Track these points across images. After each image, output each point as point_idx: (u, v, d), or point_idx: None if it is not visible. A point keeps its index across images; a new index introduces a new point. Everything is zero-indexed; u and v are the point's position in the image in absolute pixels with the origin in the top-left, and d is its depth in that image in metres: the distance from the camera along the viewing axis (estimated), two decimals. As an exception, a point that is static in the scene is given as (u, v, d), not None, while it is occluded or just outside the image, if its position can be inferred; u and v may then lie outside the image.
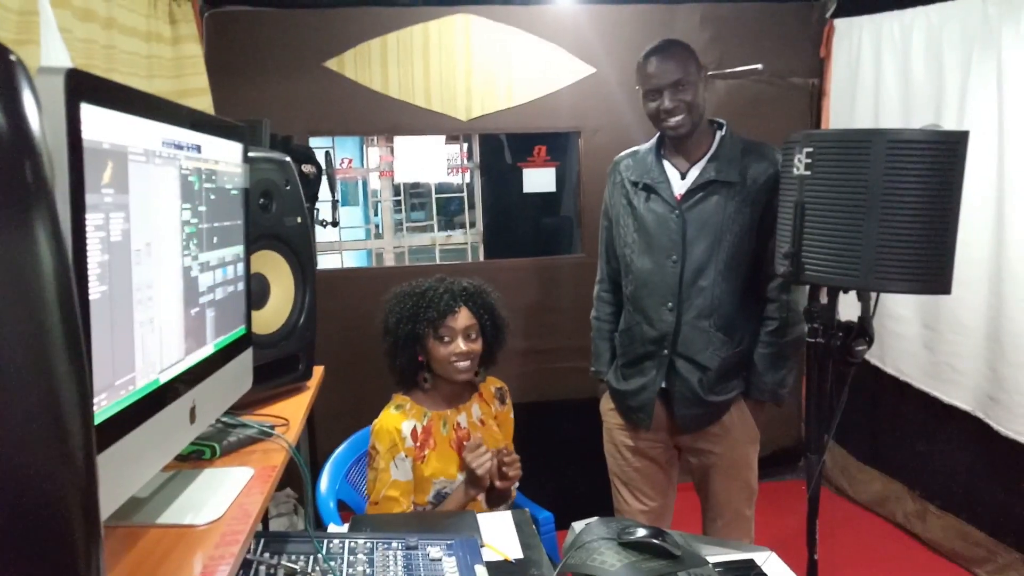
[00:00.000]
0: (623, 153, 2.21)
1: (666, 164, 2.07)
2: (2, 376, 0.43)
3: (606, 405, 2.26)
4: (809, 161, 1.64)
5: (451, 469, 1.94)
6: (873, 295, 1.70)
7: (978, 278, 2.69)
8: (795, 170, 1.68)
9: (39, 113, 0.46)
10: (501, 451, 1.96)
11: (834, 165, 1.60)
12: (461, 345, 1.93)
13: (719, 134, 2.06)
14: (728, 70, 3.39)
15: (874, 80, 3.18)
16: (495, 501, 2.01)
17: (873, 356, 3.23)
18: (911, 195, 1.52)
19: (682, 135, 2.01)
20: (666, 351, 2.04)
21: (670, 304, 2.01)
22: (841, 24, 3.35)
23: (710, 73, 3.35)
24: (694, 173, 2.03)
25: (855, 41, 3.27)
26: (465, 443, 1.96)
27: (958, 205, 1.56)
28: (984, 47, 2.68)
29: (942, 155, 1.52)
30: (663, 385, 2.07)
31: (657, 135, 2.11)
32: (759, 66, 3.35)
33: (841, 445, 3.51)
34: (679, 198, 2.02)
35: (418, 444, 1.92)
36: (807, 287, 1.91)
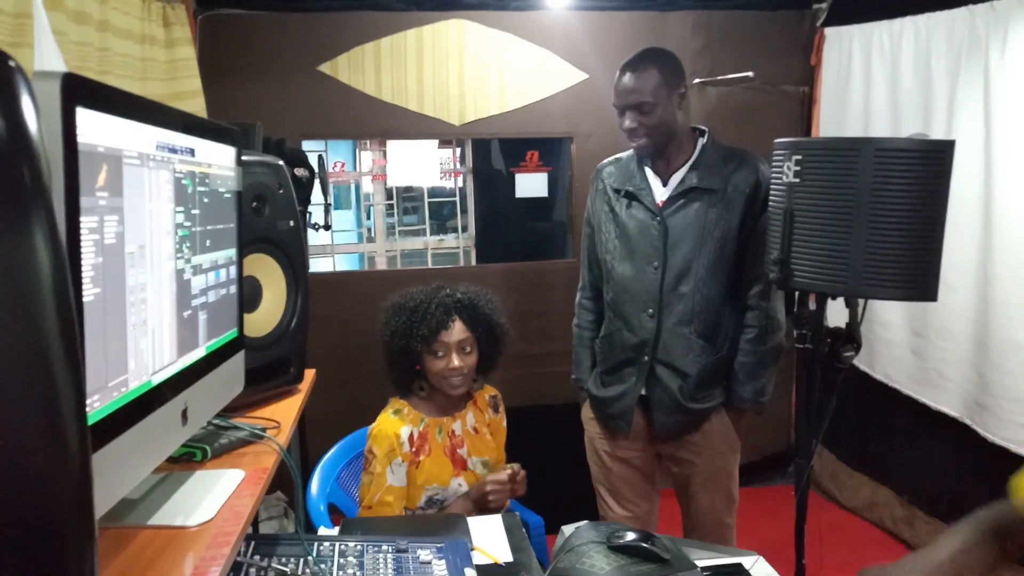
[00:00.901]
0: (606, 160, 2.22)
1: (648, 171, 2.08)
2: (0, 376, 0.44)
3: (587, 414, 2.27)
4: (798, 168, 1.66)
5: (444, 476, 1.94)
6: (861, 301, 1.72)
7: (965, 285, 2.72)
8: (784, 177, 1.70)
9: (37, 117, 0.47)
10: (513, 468, 1.96)
11: (823, 173, 1.62)
12: (455, 361, 1.91)
13: (701, 141, 2.06)
14: (719, 77, 3.42)
15: (864, 88, 3.21)
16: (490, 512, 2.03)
17: (862, 362, 3.25)
18: (898, 203, 1.54)
19: (646, 154, 2.03)
20: (646, 358, 2.05)
21: (651, 310, 2.02)
22: (831, 33, 3.38)
23: (701, 80, 3.39)
24: (675, 180, 2.04)
25: (845, 49, 3.30)
26: (472, 464, 1.97)
27: (944, 213, 1.58)
28: (971, 57, 2.71)
29: (929, 164, 1.54)
30: (643, 392, 2.08)
31: None
32: (750, 73, 3.37)
33: (830, 450, 3.53)
34: (660, 205, 2.03)
35: (414, 449, 1.92)
36: (784, 295, 1.92)
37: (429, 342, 1.90)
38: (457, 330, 1.91)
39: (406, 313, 1.92)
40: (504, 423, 2.12)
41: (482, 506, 1.91)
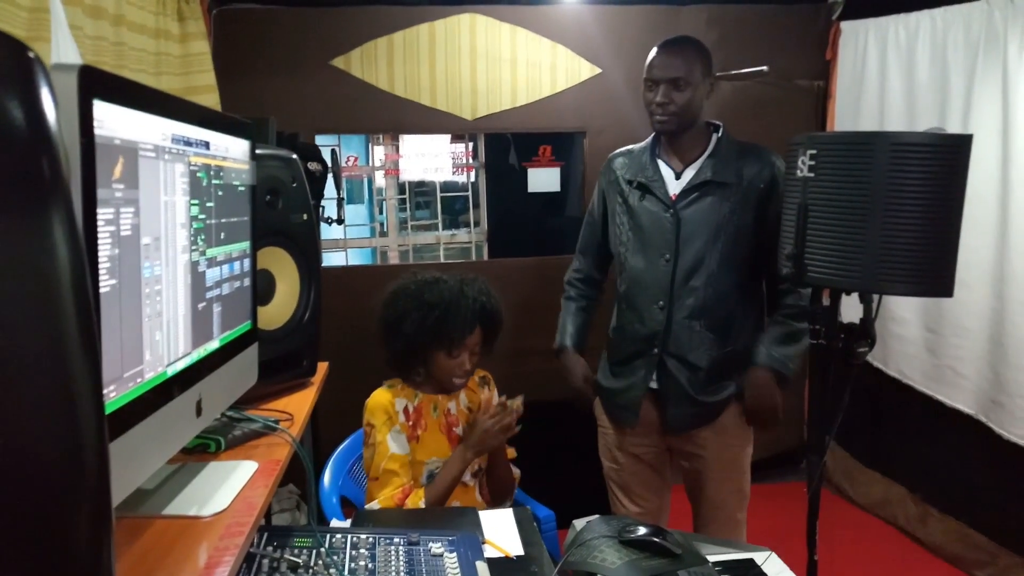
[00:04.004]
0: (617, 151, 2.22)
1: (661, 163, 2.08)
2: (19, 366, 0.44)
3: (599, 408, 2.27)
4: (813, 163, 1.65)
5: (443, 450, 1.95)
6: (875, 297, 1.71)
7: (981, 281, 2.70)
8: (799, 172, 1.68)
9: (55, 109, 0.47)
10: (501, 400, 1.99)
11: (837, 167, 1.61)
12: (466, 363, 1.94)
13: (715, 136, 2.06)
14: (734, 72, 3.40)
15: (879, 83, 3.18)
16: (496, 495, 2.03)
17: (875, 358, 3.23)
18: (914, 198, 1.53)
19: (666, 132, 2.02)
20: (656, 350, 2.05)
21: (661, 303, 2.02)
22: (847, 27, 3.36)
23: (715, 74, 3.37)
24: (689, 173, 2.04)
25: (861, 44, 3.27)
26: (464, 423, 1.97)
27: (961, 208, 1.57)
28: (989, 51, 2.69)
29: (945, 158, 1.53)
30: (653, 386, 2.08)
31: (653, 134, 2.12)
32: (765, 68, 3.35)
33: (843, 447, 3.51)
34: (674, 198, 2.03)
35: (411, 423, 1.94)
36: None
37: (452, 346, 1.91)
38: (475, 335, 1.95)
39: (434, 312, 1.90)
40: (495, 401, 2.11)
41: (481, 447, 1.89)
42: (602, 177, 2.22)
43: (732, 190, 1.99)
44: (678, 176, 2.06)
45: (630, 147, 2.18)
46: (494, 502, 2.05)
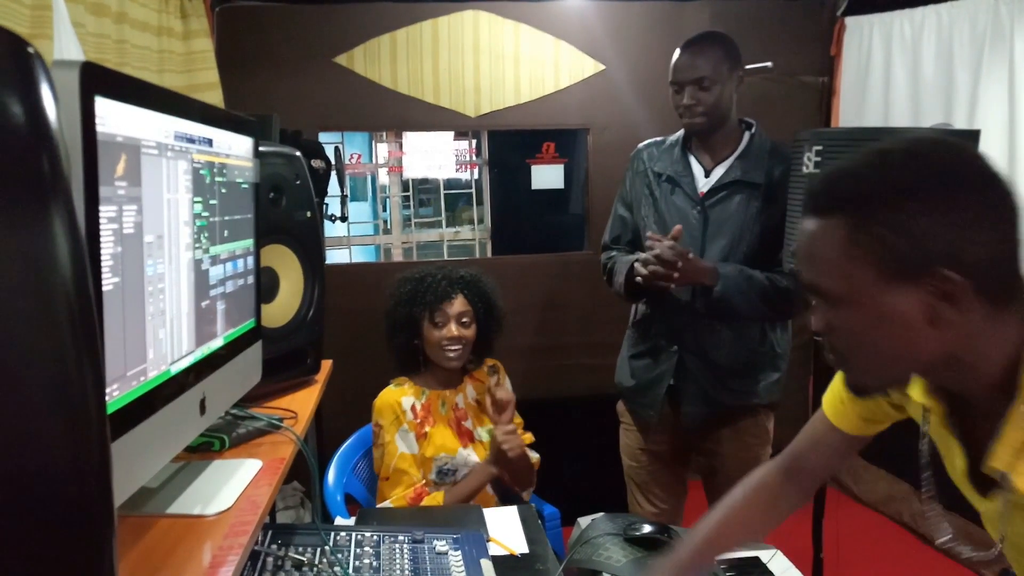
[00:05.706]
0: (646, 142, 2.18)
1: (691, 159, 2.05)
2: (20, 365, 0.44)
3: (621, 407, 2.26)
4: (818, 159, 1.64)
5: (452, 446, 1.95)
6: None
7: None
8: (804, 168, 1.68)
9: (56, 106, 0.47)
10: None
11: (843, 163, 1.60)
12: (453, 330, 1.98)
13: (748, 134, 2.04)
14: (738, 68, 3.38)
15: (884, 78, 3.17)
16: (518, 484, 2.02)
17: (881, 355, 3.21)
18: (920, 194, 1.52)
19: (696, 132, 2.01)
20: (676, 347, 2.04)
21: (684, 299, 2.01)
22: (851, 22, 3.34)
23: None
24: (719, 171, 2.01)
25: (865, 39, 3.26)
26: (494, 423, 1.98)
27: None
28: (995, 45, 2.67)
29: (952, 154, 1.52)
30: (671, 382, 2.06)
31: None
32: (769, 64, 3.33)
33: (848, 444, 3.50)
34: (702, 195, 2.01)
35: (419, 420, 1.95)
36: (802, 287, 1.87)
37: (432, 310, 1.97)
38: (459, 303, 2.00)
39: (412, 283, 2.02)
40: (507, 386, 2.11)
41: (503, 460, 1.92)
42: (630, 168, 2.18)
43: (760, 190, 1.96)
44: (708, 173, 2.03)
45: (660, 139, 2.15)
46: (519, 490, 2.05)
